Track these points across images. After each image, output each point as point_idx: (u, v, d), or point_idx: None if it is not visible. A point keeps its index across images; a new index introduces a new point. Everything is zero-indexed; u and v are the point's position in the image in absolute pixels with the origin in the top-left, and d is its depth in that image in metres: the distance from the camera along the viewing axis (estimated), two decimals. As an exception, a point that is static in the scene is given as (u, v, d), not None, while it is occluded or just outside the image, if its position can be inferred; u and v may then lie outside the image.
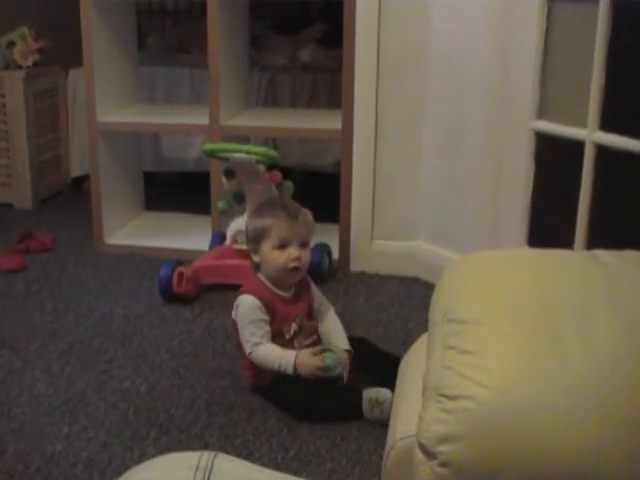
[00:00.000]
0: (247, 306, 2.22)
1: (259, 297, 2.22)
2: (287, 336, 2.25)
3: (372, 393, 2.08)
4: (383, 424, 1.98)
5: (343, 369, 2.19)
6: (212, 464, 0.89)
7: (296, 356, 2.15)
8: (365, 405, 2.08)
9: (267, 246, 2.25)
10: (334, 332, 2.34)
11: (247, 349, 2.20)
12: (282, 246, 2.24)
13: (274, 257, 2.24)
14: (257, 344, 2.18)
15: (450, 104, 2.89)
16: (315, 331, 2.33)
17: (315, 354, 2.16)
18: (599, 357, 1.07)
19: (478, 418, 1.05)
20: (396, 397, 1.53)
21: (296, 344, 2.25)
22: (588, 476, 1.02)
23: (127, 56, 3.57)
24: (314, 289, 2.36)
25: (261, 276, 2.28)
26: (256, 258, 2.29)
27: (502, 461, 1.03)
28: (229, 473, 0.89)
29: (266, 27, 4.85)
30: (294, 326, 2.26)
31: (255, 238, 2.28)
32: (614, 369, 1.06)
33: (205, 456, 0.90)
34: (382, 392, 2.07)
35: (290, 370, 2.14)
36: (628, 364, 1.06)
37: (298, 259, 2.24)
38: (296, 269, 2.25)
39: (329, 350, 2.18)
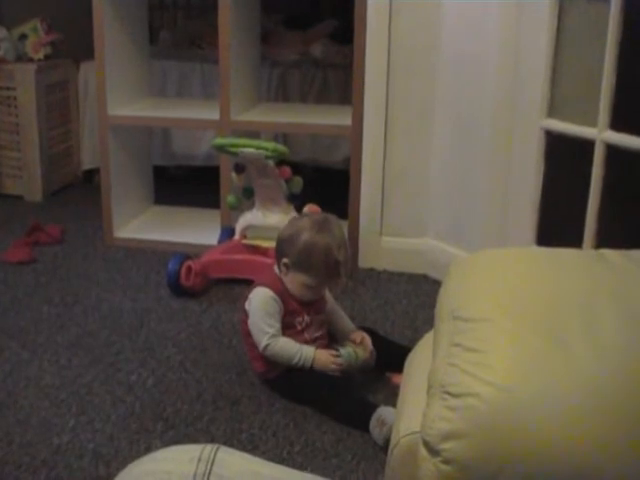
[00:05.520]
0: (263, 298, 2.23)
1: (274, 290, 2.23)
2: (299, 327, 2.26)
3: (384, 412, 2.02)
4: (381, 445, 1.99)
5: (361, 362, 2.22)
6: (214, 456, 0.89)
7: (314, 353, 2.19)
8: (372, 421, 2.04)
9: (300, 278, 2.22)
10: (342, 320, 2.38)
11: (262, 341, 2.20)
12: (315, 289, 2.26)
13: (302, 291, 2.24)
14: (274, 337, 2.20)
15: (460, 101, 2.89)
16: (324, 323, 2.34)
17: (332, 355, 2.19)
18: (604, 356, 1.07)
19: (482, 416, 1.05)
20: (401, 394, 1.53)
21: (306, 335, 2.27)
22: (592, 473, 1.02)
23: (138, 50, 3.58)
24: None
25: (277, 272, 2.28)
26: (279, 270, 2.26)
27: (506, 459, 1.04)
28: (231, 466, 0.89)
29: (277, 22, 4.86)
30: (306, 318, 2.27)
31: (292, 261, 2.22)
32: (619, 368, 1.06)
33: (208, 449, 0.91)
34: (390, 414, 1.99)
35: (308, 365, 2.18)
36: (633, 363, 1.06)
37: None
38: None
39: (344, 349, 2.22)
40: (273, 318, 2.22)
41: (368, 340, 2.27)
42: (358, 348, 2.24)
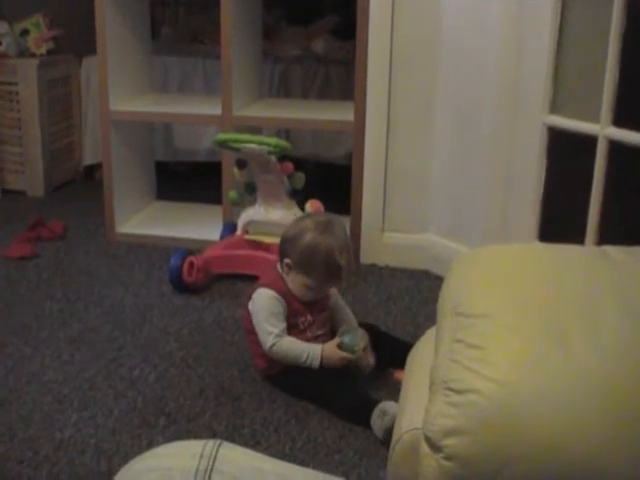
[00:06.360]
0: (266, 299, 2.22)
1: (277, 291, 2.23)
2: (301, 327, 2.26)
3: (386, 404, 2.02)
4: (381, 437, 1.99)
5: (365, 345, 2.19)
6: (216, 452, 0.89)
7: (322, 351, 2.17)
8: (375, 411, 2.02)
9: (301, 279, 2.22)
10: (346, 317, 2.36)
11: (268, 342, 2.19)
12: (315, 290, 2.25)
13: (303, 291, 2.24)
14: (279, 337, 2.19)
15: (462, 97, 2.88)
16: (327, 322, 2.33)
17: (338, 346, 2.17)
18: (605, 353, 1.07)
19: (484, 412, 1.05)
20: (403, 390, 1.53)
21: (309, 334, 2.26)
22: (593, 470, 1.01)
23: (140, 45, 3.58)
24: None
25: (280, 271, 2.28)
26: (282, 269, 2.25)
27: (508, 455, 1.03)
28: (233, 461, 0.89)
29: (279, 18, 4.86)
30: (309, 318, 2.27)
31: (293, 262, 2.21)
32: (620, 365, 1.06)
33: (210, 444, 0.91)
34: (392, 407, 1.99)
35: (316, 364, 2.17)
36: (634, 360, 1.06)
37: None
38: None
39: (346, 332, 2.21)
40: (277, 318, 2.21)
41: (368, 350, 2.24)
42: (357, 335, 2.21)
